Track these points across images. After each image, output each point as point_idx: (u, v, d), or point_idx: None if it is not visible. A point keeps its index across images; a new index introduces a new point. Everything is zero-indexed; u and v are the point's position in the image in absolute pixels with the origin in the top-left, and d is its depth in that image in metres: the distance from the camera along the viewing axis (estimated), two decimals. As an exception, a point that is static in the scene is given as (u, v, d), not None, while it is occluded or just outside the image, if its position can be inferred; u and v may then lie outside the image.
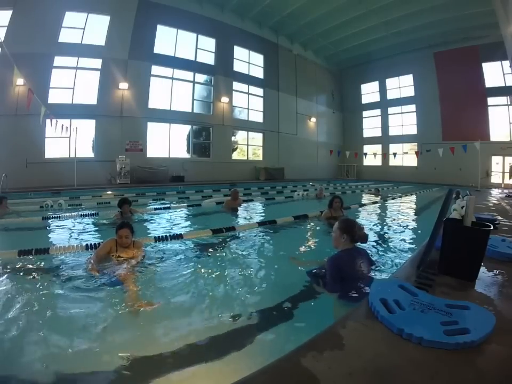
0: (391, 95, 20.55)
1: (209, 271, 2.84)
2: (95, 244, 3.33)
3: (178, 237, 3.85)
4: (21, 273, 2.68)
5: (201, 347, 1.69)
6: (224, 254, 3.48)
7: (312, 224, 5.24)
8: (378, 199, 9.31)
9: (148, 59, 13.12)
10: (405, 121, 19.99)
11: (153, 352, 1.62)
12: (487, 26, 13.95)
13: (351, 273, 2.11)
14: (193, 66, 14.57)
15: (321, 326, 1.29)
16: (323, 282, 2.22)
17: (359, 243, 2.39)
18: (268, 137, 17.79)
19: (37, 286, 2.43)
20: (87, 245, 3.34)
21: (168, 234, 3.88)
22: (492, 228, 1.81)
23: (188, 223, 5.66)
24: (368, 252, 2.65)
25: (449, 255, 1.82)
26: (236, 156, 17.03)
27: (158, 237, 3.77)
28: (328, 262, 2.17)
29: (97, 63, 12.01)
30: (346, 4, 14.27)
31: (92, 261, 2.79)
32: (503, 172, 15.87)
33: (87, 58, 11.74)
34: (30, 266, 2.83)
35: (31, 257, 2.99)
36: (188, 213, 6.48)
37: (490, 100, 16.12)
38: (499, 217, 4.34)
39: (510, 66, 12.28)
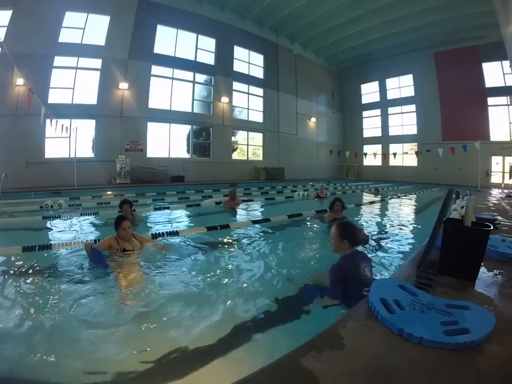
0: (391, 95, 20.53)
1: (210, 270, 2.84)
2: (95, 239, 3.48)
3: (174, 233, 3.98)
4: (22, 270, 2.71)
5: (201, 347, 1.68)
6: (225, 254, 3.47)
7: (315, 224, 5.24)
8: (378, 199, 9.32)
9: (148, 59, 13.11)
10: (405, 121, 19.96)
11: (152, 352, 1.62)
12: (487, 26, 13.93)
13: (355, 279, 2.06)
14: (193, 66, 14.56)
15: (321, 326, 1.29)
16: (320, 293, 2.14)
17: (359, 246, 2.35)
18: (267, 137, 17.78)
19: (37, 282, 2.44)
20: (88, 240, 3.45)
21: (165, 231, 3.98)
22: (492, 228, 1.81)
23: (187, 222, 5.67)
24: (368, 252, 2.64)
25: (449, 255, 1.82)
26: (236, 156, 17.02)
27: (155, 233, 3.90)
28: (331, 272, 2.11)
29: (97, 63, 12.00)
30: (346, 4, 14.25)
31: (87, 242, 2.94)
32: (503, 172, 15.86)
33: (87, 58, 11.73)
34: (31, 263, 2.88)
35: (34, 254, 3.09)
36: (187, 213, 6.48)
37: (490, 100, 16.10)
38: (499, 217, 4.34)
39: (510, 66, 12.30)
